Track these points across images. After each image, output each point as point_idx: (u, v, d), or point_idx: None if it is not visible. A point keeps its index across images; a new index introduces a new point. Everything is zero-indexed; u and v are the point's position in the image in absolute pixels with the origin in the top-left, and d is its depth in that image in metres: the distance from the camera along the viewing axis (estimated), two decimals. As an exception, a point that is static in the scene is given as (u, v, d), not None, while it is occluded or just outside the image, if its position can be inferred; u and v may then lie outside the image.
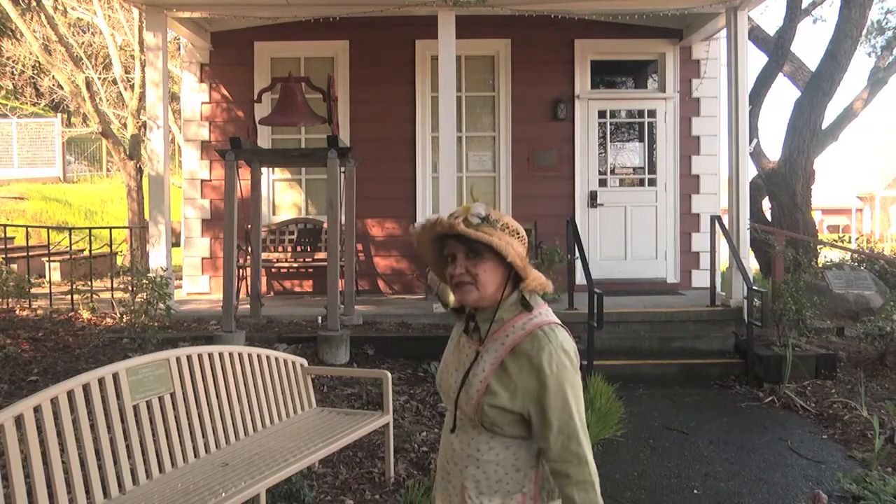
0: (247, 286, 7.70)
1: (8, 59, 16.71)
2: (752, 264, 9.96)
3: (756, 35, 11.11)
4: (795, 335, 6.47)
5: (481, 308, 1.73)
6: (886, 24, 13.69)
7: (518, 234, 1.72)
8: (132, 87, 12.65)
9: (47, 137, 18.23)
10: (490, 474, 1.70)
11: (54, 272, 9.49)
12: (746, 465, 4.52)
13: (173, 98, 13.14)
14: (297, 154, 7.33)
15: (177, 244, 10.42)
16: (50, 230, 10.00)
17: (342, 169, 6.75)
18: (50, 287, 8.09)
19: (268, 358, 4.03)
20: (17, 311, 7.27)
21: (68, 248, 9.50)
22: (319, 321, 6.73)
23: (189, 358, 3.49)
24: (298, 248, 8.30)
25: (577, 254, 7.01)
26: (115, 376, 3.06)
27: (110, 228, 8.84)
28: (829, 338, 7.21)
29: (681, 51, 8.64)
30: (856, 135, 35.61)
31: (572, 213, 8.40)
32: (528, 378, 1.64)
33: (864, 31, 11.27)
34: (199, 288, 8.52)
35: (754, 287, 6.41)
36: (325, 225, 7.97)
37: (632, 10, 7.63)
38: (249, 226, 7.14)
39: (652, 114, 8.74)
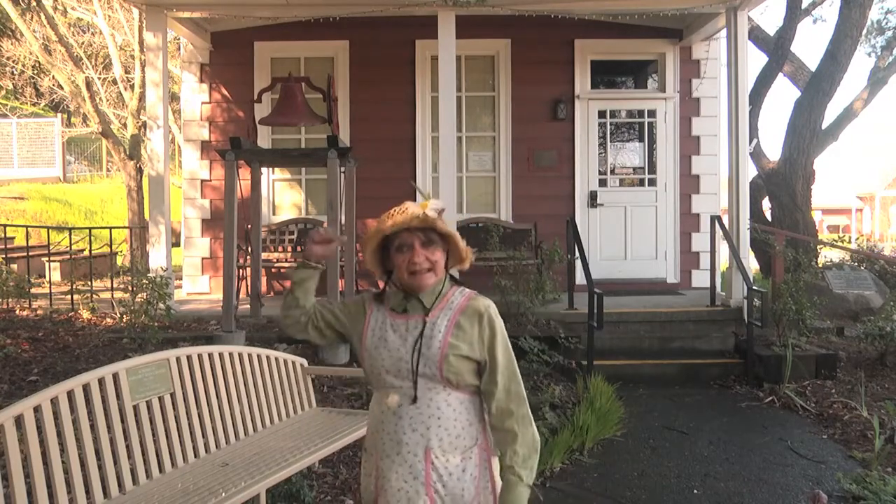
0: (247, 286, 7.70)
1: (8, 59, 16.71)
2: (752, 264, 9.96)
3: (756, 35, 11.11)
4: (795, 335, 6.46)
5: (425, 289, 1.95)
6: (886, 24, 13.71)
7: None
8: (132, 87, 12.65)
9: (47, 137, 18.23)
10: (451, 430, 1.90)
11: (54, 272, 9.48)
12: (746, 465, 4.52)
13: (173, 98, 13.14)
14: (297, 154, 7.33)
15: (177, 244, 10.42)
16: (50, 230, 10.00)
17: (342, 169, 6.74)
18: (50, 287, 8.09)
19: (268, 358, 4.03)
20: (17, 311, 7.27)
21: (68, 248, 9.50)
22: (319, 321, 6.72)
23: (189, 358, 3.49)
24: (298, 248, 8.29)
25: (577, 254, 7.01)
26: (115, 376, 3.06)
27: (110, 228, 8.84)
28: (829, 338, 7.20)
29: (681, 51, 8.63)
30: (856, 135, 35.73)
31: (572, 213, 8.40)
32: (481, 329, 1.93)
33: (864, 31, 11.27)
34: (199, 288, 8.52)
35: (754, 287, 6.41)
36: (326, 225, 7.97)
37: (632, 10, 7.64)
38: (249, 226, 7.13)
39: (652, 114, 8.74)
